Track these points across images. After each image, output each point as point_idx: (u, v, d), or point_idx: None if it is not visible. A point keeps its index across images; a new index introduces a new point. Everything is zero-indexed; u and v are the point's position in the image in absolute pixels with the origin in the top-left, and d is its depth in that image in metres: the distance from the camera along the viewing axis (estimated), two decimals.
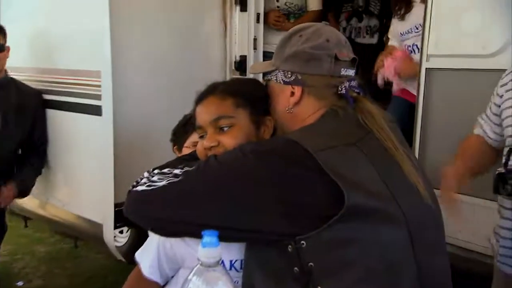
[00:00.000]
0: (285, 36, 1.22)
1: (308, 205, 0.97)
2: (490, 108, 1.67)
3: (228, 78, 3.10)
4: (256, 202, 0.97)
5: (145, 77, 2.72)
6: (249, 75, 2.56)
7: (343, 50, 1.18)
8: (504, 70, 1.65)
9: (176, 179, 1.03)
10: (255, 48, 3.14)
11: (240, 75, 3.11)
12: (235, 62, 3.12)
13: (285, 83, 1.18)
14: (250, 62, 3.11)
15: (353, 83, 1.18)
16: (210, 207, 0.99)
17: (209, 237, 0.84)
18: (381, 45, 3.44)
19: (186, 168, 1.05)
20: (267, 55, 3.18)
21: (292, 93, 1.17)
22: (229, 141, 1.17)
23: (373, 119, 1.11)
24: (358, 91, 1.18)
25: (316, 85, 1.15)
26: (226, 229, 0.95)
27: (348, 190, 0.96)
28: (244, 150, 1.04)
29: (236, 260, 1.20)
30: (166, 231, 1.10)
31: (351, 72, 1.20)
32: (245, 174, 1.00)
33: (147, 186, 1.05)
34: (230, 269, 1.19)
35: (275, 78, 1.20)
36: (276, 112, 1.22)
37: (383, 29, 3.62)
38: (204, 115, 1.22)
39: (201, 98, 1.26)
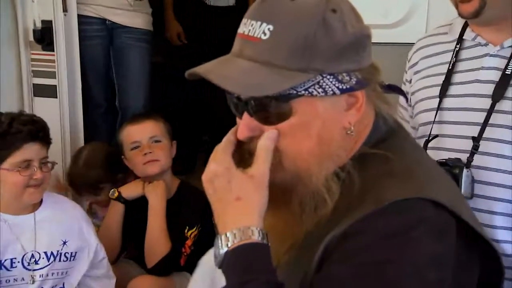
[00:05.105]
0: (302, 17, 0.87)
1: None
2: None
3: (23, 55, 2.35)
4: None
5: None
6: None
7: None
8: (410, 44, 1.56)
9: None
10: (65, 10, 2.30)
11: (44, 50, 2.32)
12: (34, 31, 2.29)
13: (343, 91, 0.92)
14: (58, 31, 2.29)
15: None
16: None
17: None
18: (242, 8, 2.78)
19: None
20: (85, 22, 2.49)
21: (350, 105, 0.93)
22: None
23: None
24: None
25: (373, 81, 0.95)
26: None
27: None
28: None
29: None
30: None
31: None
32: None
33: None
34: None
35: (317, 90, 0.90)
36: (309, 144, 0.91)
37: None
38: None
39: None
